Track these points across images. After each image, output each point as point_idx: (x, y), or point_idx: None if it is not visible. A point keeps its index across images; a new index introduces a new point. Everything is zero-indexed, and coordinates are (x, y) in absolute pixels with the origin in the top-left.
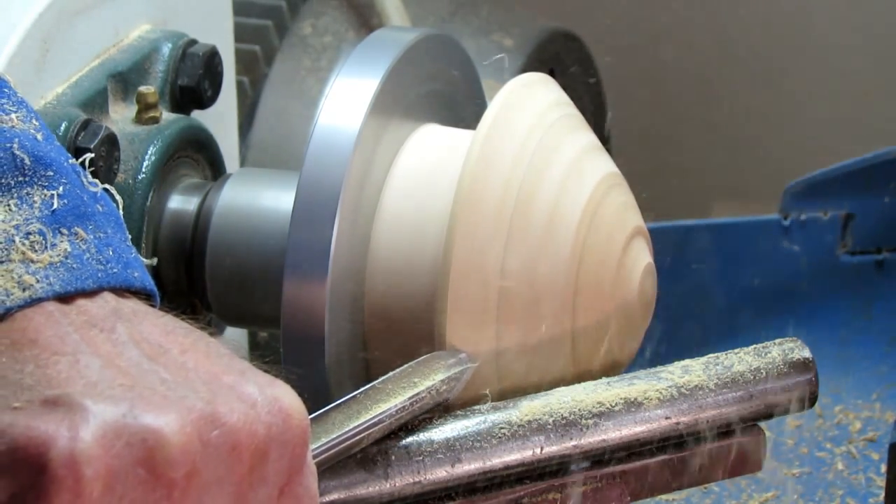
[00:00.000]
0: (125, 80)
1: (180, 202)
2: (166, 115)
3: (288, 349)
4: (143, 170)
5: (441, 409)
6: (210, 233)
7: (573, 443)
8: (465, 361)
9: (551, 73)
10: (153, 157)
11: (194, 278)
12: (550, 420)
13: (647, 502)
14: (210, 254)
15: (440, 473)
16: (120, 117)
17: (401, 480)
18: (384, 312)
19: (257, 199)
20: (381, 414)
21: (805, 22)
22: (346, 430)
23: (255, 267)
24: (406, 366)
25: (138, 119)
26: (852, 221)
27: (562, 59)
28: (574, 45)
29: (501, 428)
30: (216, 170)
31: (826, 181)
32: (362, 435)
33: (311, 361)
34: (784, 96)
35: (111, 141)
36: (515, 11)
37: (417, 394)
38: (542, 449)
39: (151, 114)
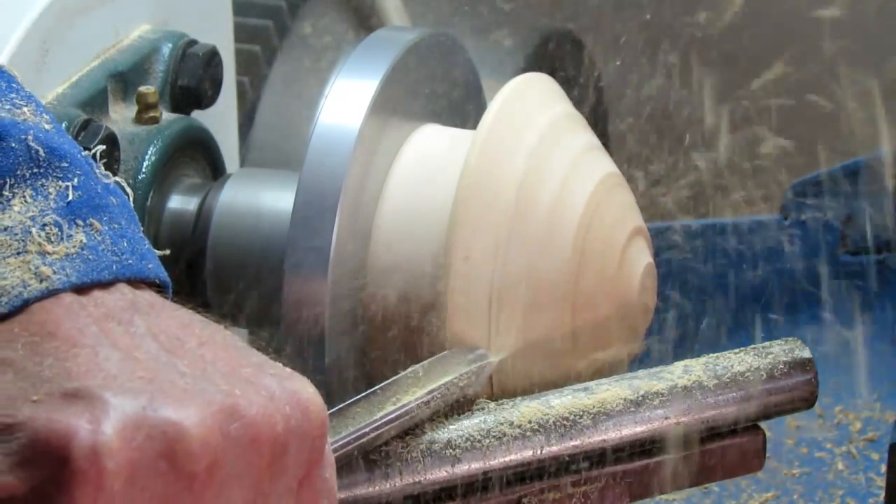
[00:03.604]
0: (125, 80)
1: (180, 202)
2: (166, 115)
3: (289, 349)
4: (143, 170)
5: (461, 405)
6: (210, 232)
7: (573, 443)
8: (484, 357)
9: (551, 73)
10: (153, 157)
11: (194, 278)
12: (550, 420)
13: (647, 502)
14: (210, 253)
15: (440, 473)
16: (120, 117)
17: (401, 480)
18: (385, 312)
19: (257, 199)
20: (401, 408)
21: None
22: (366, 423)
23: (255, 267)
24: (425, 361)
25: (138, 119)
26: (852, 221)
27: (562, 58)
28: (574, 44)
29: (501, 428)
30: (216, 170)
31: (826, 181)
32: (383, 430)
33: (311, 361)
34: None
35: (111, 141)
36: (515, 11)
37: (437, 388)
38: (542, 449)
39: (151, 114)
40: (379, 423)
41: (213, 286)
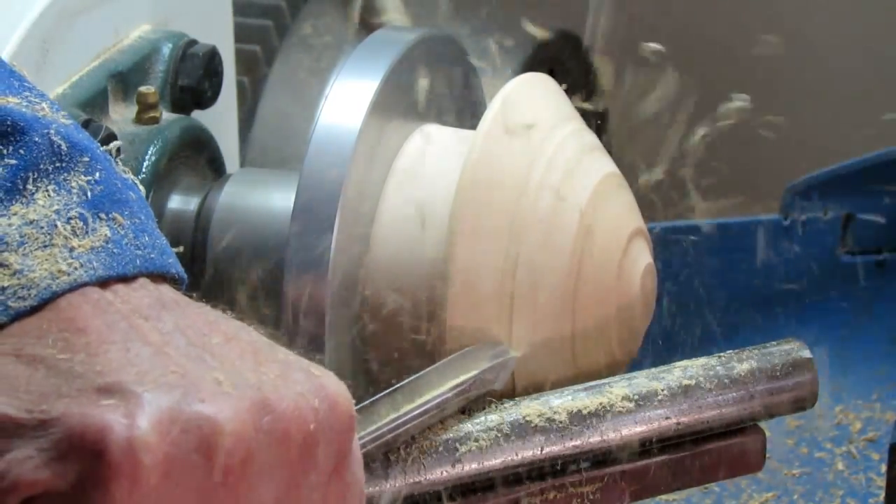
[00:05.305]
0: (125, 80)
1: (180, 202)
2: (166, 115)
3: (288, 349)
4: (143, 170)
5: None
6: (210, 233)
7: (573, 443)
8: (507, 352)
9: (551, 73)
10: (153, 158)
11: (194, 278)
12: (550, 420)
13: (647, 502)
14: (210, 254)
15: (440, 473)
16: (120, 117)
17: (401, 480)
18: (385, 312)
19: (257, 199)
20: (425, 404)
21: (806, 21)
22: (391, 419)
23: (255, 267)
24: (449, 358)
25: (138, 119)
26: (852, 221)
27: (561, 58)
28: (574, 44)
29: (501, 428)
30: (216, 170)
31: (826, 181)
32: (408, 426)
33: (311, 361)
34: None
35: (111, 141)
36: (515, 11)
37: (462, 383)
38: (542, 449)
39: (151, 114)
40: (403, 419)
41: (213, 286)
